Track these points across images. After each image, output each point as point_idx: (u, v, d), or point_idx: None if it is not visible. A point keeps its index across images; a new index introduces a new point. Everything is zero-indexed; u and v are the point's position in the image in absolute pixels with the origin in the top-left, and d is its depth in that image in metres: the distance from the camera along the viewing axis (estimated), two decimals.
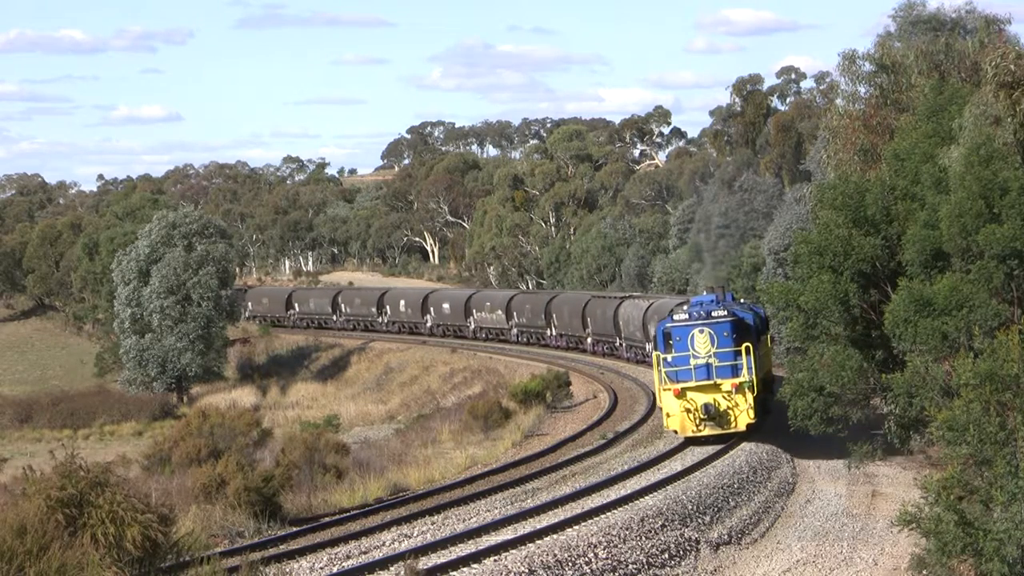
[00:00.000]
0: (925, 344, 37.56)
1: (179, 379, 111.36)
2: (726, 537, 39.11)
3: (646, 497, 41.59)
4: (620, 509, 39.75)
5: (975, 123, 40.61)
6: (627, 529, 37.25)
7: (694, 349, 50.75)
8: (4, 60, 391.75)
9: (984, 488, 29.47)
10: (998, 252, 37.46)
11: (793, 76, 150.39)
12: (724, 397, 50.61)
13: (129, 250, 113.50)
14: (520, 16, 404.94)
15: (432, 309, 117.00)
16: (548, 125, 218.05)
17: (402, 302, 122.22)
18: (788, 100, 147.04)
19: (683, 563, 36.34)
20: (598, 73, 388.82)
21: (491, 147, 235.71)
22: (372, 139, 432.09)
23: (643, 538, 36.99)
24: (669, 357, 51.25)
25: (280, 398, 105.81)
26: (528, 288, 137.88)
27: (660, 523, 38.76)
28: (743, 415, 50.50)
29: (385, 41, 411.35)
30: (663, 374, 51.28)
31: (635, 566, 35.02)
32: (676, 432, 51.36)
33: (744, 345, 50.53)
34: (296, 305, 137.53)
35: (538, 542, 35.17)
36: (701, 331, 50.79)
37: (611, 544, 35.71)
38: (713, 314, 51.09)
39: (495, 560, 33.19)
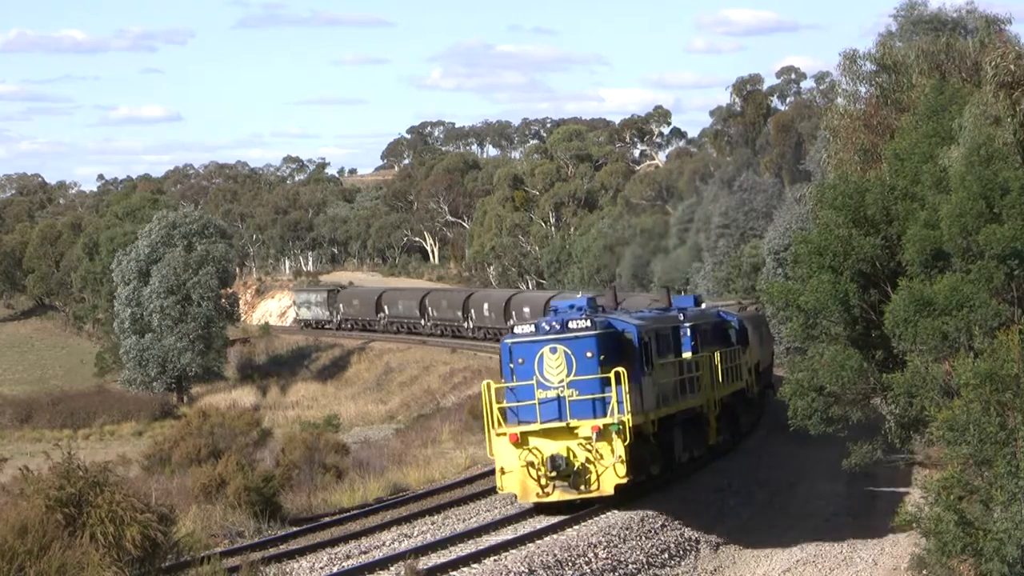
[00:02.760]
0: (925, 344, 37.55)
1: (179, 379, 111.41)
2: None
3: (644, 498, 41.62)
4: (621, 509, 39.74)
5: (975, 123, 40.58)
6: (627, 529, 37.25)
7: (542, 376, 37.43)
8: (4, 60, 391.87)
9: (984, 488, 29.47)
10: (998, 252, 37.45)
11: (793, 76, 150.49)
12: (582, 446, 37.18)
13: (129, 250, 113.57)
14: (520, 16, 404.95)
15: (514, 314, 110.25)
16: (548, 125, 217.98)
17: (485, 305, 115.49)
18: (788, 100, 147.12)
19: (683, 562, 36.34)
20: (598, 73, 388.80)
21: (491, 147, 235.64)
22: (372, 139, 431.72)
23: (643, 538, 36.99)
24: (511, 387, 38.21)
25: (280, 398, 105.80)
26: (528, 288, 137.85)
27: (660, 523, 38.76)
28: (609, 472, 37.08)
29: (385, 41, 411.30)
30: (494, 412, 37.67)
31: (635, 566, 35.02)
32: (517, 496, 38.29)
33: (616, 370, 37.08)
34: (386, 308, 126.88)
35: (538, 542, 35.16)
36: (553, 350, 37.49)
37: (611, 544, 35.71)
38: (571, 325, 37.71)
39: (495, 560, 33.17)
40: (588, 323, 37.98)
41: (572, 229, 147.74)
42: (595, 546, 35.23)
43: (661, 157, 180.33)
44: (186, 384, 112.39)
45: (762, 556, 37.64)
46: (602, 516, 38.29)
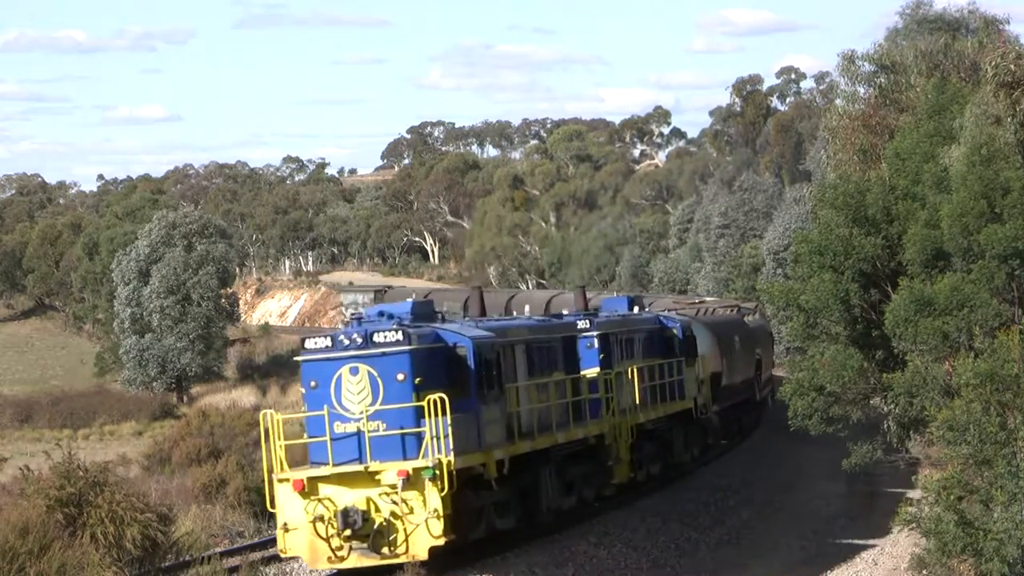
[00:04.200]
0: (925, 344, 37.53)
1: (179, 379, 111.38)
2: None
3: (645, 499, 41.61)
4: (622, 509, 39.73)
5: (976, 123, 40.56)
6: (627, 528, 37.24)
7: (340, 404, 29.96)
8: (4, 60, 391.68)
9: (984, 488, 29.47)
10: (999, 252, 37.44)
11: (793, 76, 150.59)
12: (386, 496, 29.45)
13: (129, 250, 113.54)
14: (520, 16, 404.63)
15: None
16: (548, 125, 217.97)
17: (527, 308, 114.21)
18: (788, 100, 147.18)
19: (683, 562, 36.34)
20: (598, 73, 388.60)
21: (491, 147, 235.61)
22: (372, 139, 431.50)
23: (643, 538, 37.00)
24: (302, 417, 31.15)
25: (280, 398, 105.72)
26: (529, 288, 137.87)
27: (660, 523, 38.76)
28: (420, 531, 29.10)
29: (385, 41, 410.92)
30: (276, 451, 29.99)
31: (635, 566, 35.00)
32: (305, 561, 30.37)
33: (432, 397, 29.30)
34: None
35: (538, 541, 35.13)
36: (354, 370, 29.93)
37: (611, 544, 35.70)
38: (377, 338, 29.98)
39: (495, 559, 33.14)
40: (400, 335, 29.99)
41: (572, 229, 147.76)
42: (595, 546, 35.24)
43: (661, 157, 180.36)
44: (186, 384, 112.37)
45: (762, 556, 37.65)
46: (601, 516, 38.29)
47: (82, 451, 30.15)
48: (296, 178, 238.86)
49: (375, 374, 29.90)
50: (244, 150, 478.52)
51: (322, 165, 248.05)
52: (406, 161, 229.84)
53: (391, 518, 29.27)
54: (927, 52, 48.45)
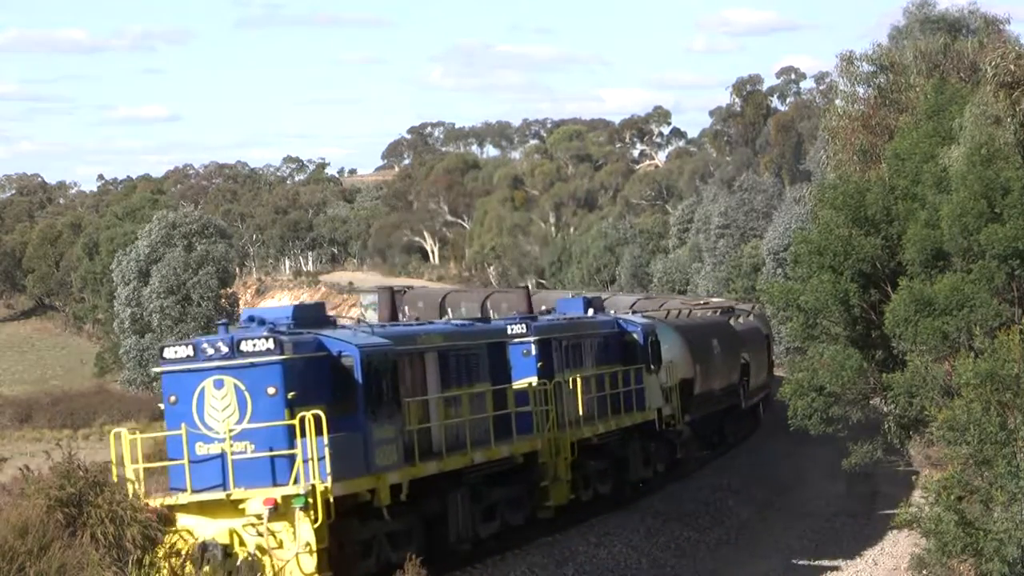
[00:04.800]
0: (925, 344, 37.53)
1: None
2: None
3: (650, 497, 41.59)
4: (622, 509, 39.72)
5: (976, 123, 40.56)
6: (626, 529, 37.24)
7: (202, 421, 26.78)
8: (4, 60, 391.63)
9: (984, 488, 29.46)
10: (999, 252, 37.44)
11: (793, 76, 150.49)
12: (252, 527, 26.11)
13: (129, 250, 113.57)
14: (520, 16, 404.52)
15: None
16: (548, 125, 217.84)
17: (543, 308, 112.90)
18: (788, 100, 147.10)
19: (683, 562, 36.34)
20: (598, 73, 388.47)
21: (491, 147, 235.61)
22: (372, 139, 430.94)
23: (643, 538, 36.99)
24: (158, 436, 28.31)
25: None
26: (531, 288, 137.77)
27: (660, 523, 38.76)
28: (290, 568, 25.75)
29: (385, 41, 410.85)
30: (130, 472, 26.96)
31: (635, 566, 35.00)
32: None
33: (305, 414, 26.04)
34: (449, 311, 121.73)
35: (538, 542, 35.12)
36: (218, 383, 26.73)
37: (611, 544, 35.69)
38: (244, 346, 26.71)
39: (495, 560, 33.13)
40: (270, 343, 26.54)
41: (572, 229, 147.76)
42: (595, 546, 35.24)
43: (661, 157, 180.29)
44: None
45: (762, 556, 37.65)
46: (601, 516, 38.28)
47: (82, 451, 30.07)
48: (296, 178, 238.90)
49: (242, 388, 26.56)
50: (244, 150, 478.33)
51: (322, 165, 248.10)
52: (406, 161, 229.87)
53: (257, 553, 25.68)
54: (927, 52, 48.45)
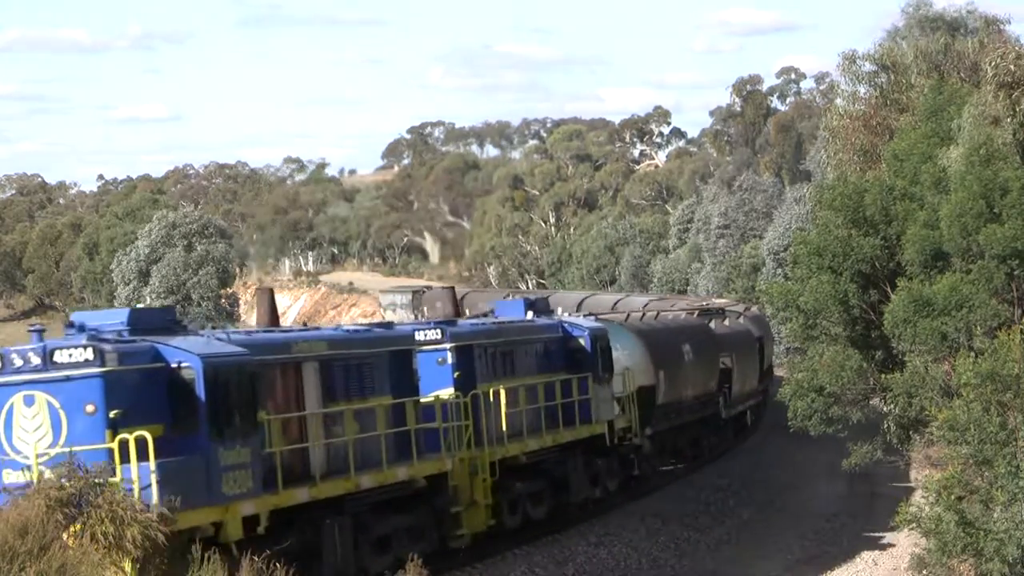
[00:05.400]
0: (925, 344, 37.54)
1: None
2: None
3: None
4: (622, 509, 39.73)
5: (975, 123, 40.55)
6: (627, 529, 37.24)
7: (11, 444, 23.68)
8: (4, 60, 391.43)
9: (984, 488, 29.48)
10: (998, 252, 37.45)
11: (793, 76, 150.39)
12: None
13: (129, 250, 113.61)
14: (520, 16, 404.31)
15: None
16: (548, 125, 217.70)
17: (559, 309, 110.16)
18: (788, 100, 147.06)
19: (683, 562, 36.34)
20: (598, 73, 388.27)
21: (491, 147, 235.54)
22: (372, 139, 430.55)
23: (643, 538, 36.99)
24: None
25: None
26: (529, 288, 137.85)
27: (660, 523, 38.76)
28: None
29: (385, 41, 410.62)
30: None
31: (635, 566, 35.00)
32: None
33: (126, 436, 22.98)
34: (467, 310, 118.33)
35: (538, 542, 35.12)
36: (29, 399, 23.51)
37: (611, 544, 35.69)
38: (58, 357, 23.53)
39: (495, 560, 33.13)
40: (90, 353, 23.05)
41: (572, 229, 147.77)
42: (595, 546, 35.24)
43: (661, 157, 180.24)
44: None
45: (762, 556, 37.65)
46: (602, 516, 38.29)
47: None
48: (296, 178, 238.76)
49: (56, 405, 23.11)
50: (244, 150, 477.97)
51: (322, 165, 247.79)
52: (406, 161, 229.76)
53: None
54: (927, 52, 48.45)
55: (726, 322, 56.65)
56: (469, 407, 32.12)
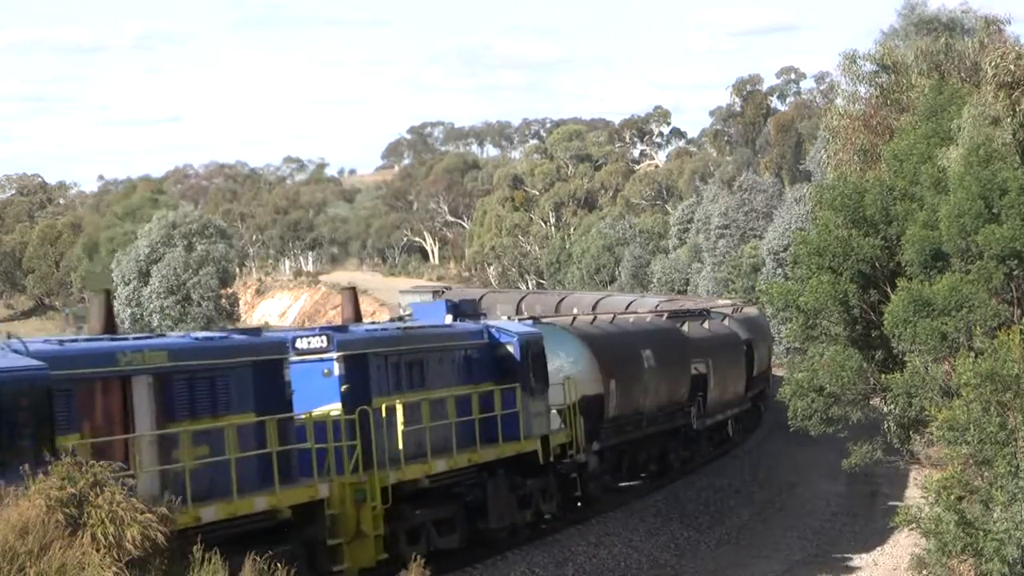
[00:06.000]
0: (924, 344, 37.56)
1: None
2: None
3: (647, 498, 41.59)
4: (620, 508, 39.74)
5: (974, 123, 40.57)
6: (627, 529, 37.25)
7: None
8: (4, 60, 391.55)
9: (984, 488, 29.49)
10: (998, 252, 37.47)
11: (793, 76, 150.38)
12: None
13: (129, 250, 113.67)
14: (520, 16, 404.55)
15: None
16: (548, 125, 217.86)
17: (575, 310, 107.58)
18: (788, 100, 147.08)
19: (683, 562, 36.36)
20: (598, 73, 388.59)
21: (491, 147, 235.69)
22: (372, 139, 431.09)
23: (643, 538, 37.00)
24: None
25: None
26: (531, 288, 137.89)
27: (660, 523, 38.77)
28: None
29: (385, 41, 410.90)
30: None
31: (635, 566, 35.01)
32: None
33: None
34: (486, 312, 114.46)
35: (538, 542, 35.13)
36: None
37: (611, 544, 35.71)
38: None
39: (496, 560, 33.14)
40: None
41: (572, 229, 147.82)
42: (595, 546, 35.25)
43: (661, 157, 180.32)
44: None
45: (762, 556, 37.67)
46: (600, 517, 38.29)
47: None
48: (296, 178, 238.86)
49: None
50: (244, 150, 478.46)
51: (322, 165, 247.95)
52: (406, 161, 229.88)
53: None
54: (928, 52, 48.46)
55: (705, 324, 53.43)
56: (357, 425, 28.29)
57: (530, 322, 38.09)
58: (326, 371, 28.74)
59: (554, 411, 36.00)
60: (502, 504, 33.18)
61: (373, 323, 36.42)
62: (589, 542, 35.34)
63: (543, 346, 35.82)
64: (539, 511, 35.38)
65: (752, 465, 50.15)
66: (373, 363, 29.47)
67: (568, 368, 38.15)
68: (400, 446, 29.61)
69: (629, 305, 66.88)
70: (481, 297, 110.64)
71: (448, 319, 34.90)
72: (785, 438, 50.36)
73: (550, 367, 36.43)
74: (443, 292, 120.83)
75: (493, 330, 34.75)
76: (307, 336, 29.06)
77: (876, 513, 41.81)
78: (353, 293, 33.78)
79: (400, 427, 29.66)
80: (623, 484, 43.09)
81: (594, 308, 67.02)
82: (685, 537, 38.31)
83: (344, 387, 28.70)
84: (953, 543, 28.71)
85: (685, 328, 50.18)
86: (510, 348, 34.42)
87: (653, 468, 45.38)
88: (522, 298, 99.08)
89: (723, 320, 55.72)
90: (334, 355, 28.76)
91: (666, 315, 51.27)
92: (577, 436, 36.73)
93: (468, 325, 34.79)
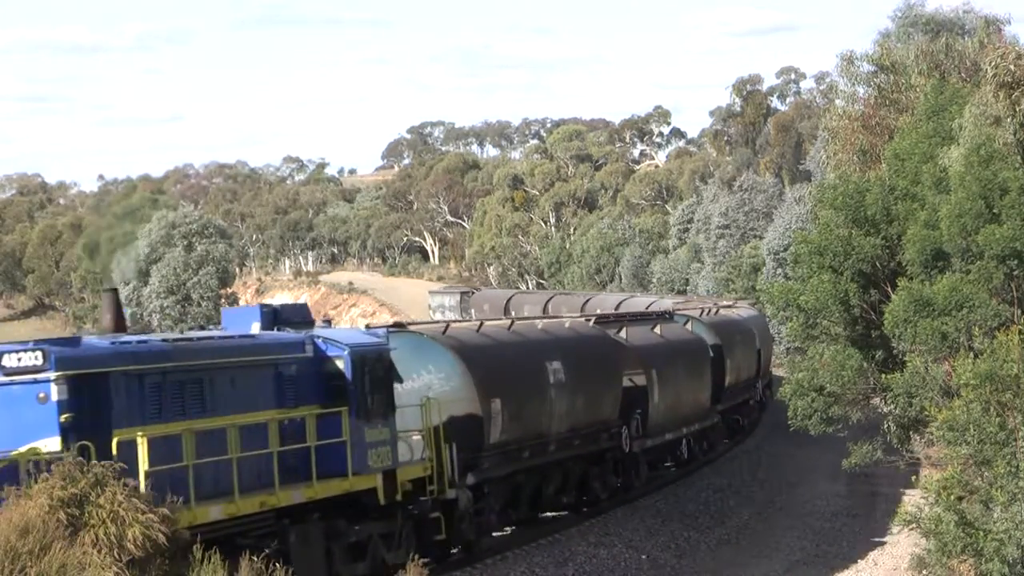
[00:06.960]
0: (925, 344, 37.57)
1: None
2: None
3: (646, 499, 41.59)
4: (622, 509, 39.74)
5: (975, 123, 40.58)
6: (627, 529, 37.26)
7: None
8: (4, 60, 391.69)
9: (984, 488, 29.51)
10: (998, 252, 37.47)
11: (793, 76, 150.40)
12: None
13: (129, 250, 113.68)
14: (520, 16, 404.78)
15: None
16: (548, 125, 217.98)
17: (598, 311, 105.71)
18: (788, 100, 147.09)
19: (683, 562, 36.37)
20: (598, 73, 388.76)
21: (491, 147, 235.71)
22: (372, 139, 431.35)
23: (643, 538, 37.01)
24: None
25: None
26: (528, 288, 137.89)
27: (660, 523, 38.78)
28: None
29: (385, 41, 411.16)
30: None
31: (635, 566, 35.03)
32: None
33: None
34: (513, 312, 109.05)
35: (539, 542, 35.15)
36: None
37: (611, 544, 35.73)
38: None
39: (496, 560, 33.17)
40: None
41: (572, 229, 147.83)
42: (595, 546, 35.27)
43: (661, 157, 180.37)
44: None
45: (762, 556, 37.69)
46: (602, 516, 38.30)
47: None
48: (296, 178, 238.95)
49: None
50: (244, 150, 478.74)
51: (322, 165, 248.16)
52: (406, 161, 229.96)
53: None
54: (928, 52, 48.50)
55: (657, 329, 47.56)
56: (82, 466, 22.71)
57: (382, 330, 31.19)
58: (41, 396, 23.50)
59: (418, 438, 30.50)
60: (312, 557, 27.03)
61: (147, 334, 30.08)
62: (589, 542, 35.38)
63: (389, 360, 29.63)
64: (381, 561, 29.08)
65: (752, 465, 50.16)
66: (118, 385, 24.00)
67: (438, 386, 32.77)
68: (148, 491, 23.56)
69: (650, 306, 61.71)
70: (510, 298, 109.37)
71: (255, 328, 28.65)
72: (785, 438, 50.37)
73: (415, 384, 31.70)
74: (472, 294, 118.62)
75: (319, 342, 28.54)
76: (16, 351, 23.77)
77: (876, 513, 41.83)
78: (115, 296, 27.66)
79: (143, 467, 23.86)
80: (510, 527, 36.66)
81: (616, 309, 62.63)
82: (685, 537, 38.33)
83: (65, 416, 23.39)
84: (953, 543, 28.72)
85: (622, 334, 44.15)
86: (339, 363, 28.40)
87: (566, 500, 39.21)
88: (549, 299, 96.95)
89: (686, 324, 50.89)
90: (51, 375, 23.43)
91: (592, 320, 44.86)
92: (445, 468, 30.92)
93: (283, 335, 28.42)
